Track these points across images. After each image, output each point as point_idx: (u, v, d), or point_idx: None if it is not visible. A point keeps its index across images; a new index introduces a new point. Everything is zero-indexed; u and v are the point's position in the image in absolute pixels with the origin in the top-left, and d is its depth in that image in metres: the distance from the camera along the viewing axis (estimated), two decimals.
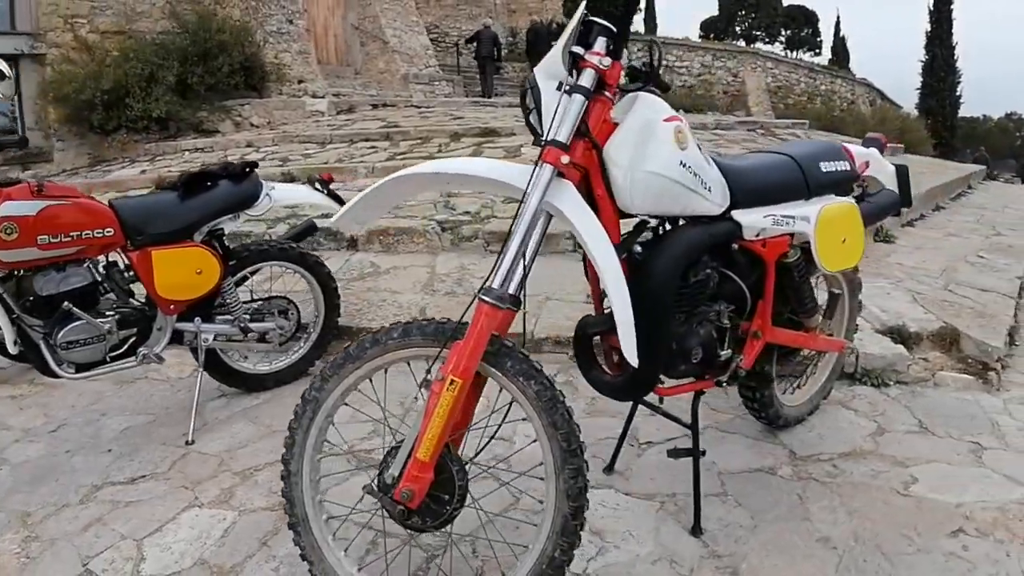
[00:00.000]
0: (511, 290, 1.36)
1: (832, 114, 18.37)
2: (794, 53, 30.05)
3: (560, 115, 1.41)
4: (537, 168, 1.40)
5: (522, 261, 1.38)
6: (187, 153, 8.74)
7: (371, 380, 1.48)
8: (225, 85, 9.54)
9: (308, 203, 2.96)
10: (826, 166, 1.97)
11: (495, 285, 1.34)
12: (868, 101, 22.86)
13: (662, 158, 1.48)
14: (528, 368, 1.37)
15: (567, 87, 1.42)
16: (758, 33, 30.85)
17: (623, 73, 1.48)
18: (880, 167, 2.27)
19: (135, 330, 2.40)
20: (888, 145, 2.43)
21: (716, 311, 1.73)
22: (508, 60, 16.55)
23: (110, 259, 2.42)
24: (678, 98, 16.71)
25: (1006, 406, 2.65)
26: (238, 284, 2.67)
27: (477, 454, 1.52)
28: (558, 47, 1.44)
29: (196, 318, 2.47)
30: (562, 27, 1.50)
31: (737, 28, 30.78)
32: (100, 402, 2.82)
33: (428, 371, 1.38)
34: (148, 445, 2.42)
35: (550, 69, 1.45)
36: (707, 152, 1.66)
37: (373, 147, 7.59)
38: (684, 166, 1.52)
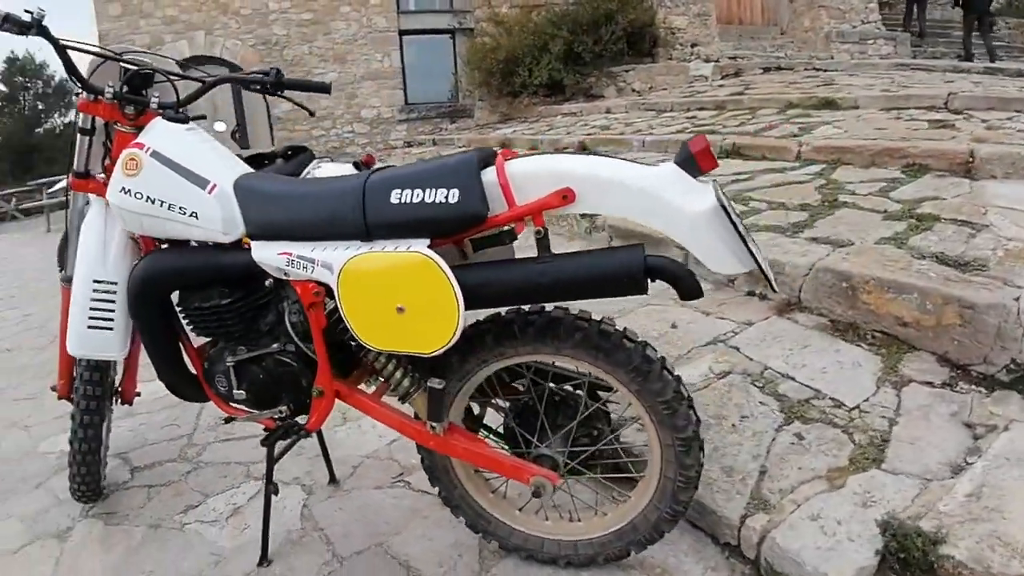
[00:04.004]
0: None
1: None
2: None
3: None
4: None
5: None
6: (560, 117, 9.75)
7: None
8: (609, 52, 10.17)
9: None
10: (401, 196, 1.35)
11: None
12: None
13: (111, 186, 1.60)
14: None
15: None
16: None
17: (117, 105, 1.64)
18: (646, 200, 1.25)
19: None
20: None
21: (253, 346, 1.63)
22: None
23: None
24: None
25: None
26: None
27: None
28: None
29: None
30: None
31: None
32: None
33: None
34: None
35: None
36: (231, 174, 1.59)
37: (692, 116, 7.24)
38: (127, 193, 1.57)
